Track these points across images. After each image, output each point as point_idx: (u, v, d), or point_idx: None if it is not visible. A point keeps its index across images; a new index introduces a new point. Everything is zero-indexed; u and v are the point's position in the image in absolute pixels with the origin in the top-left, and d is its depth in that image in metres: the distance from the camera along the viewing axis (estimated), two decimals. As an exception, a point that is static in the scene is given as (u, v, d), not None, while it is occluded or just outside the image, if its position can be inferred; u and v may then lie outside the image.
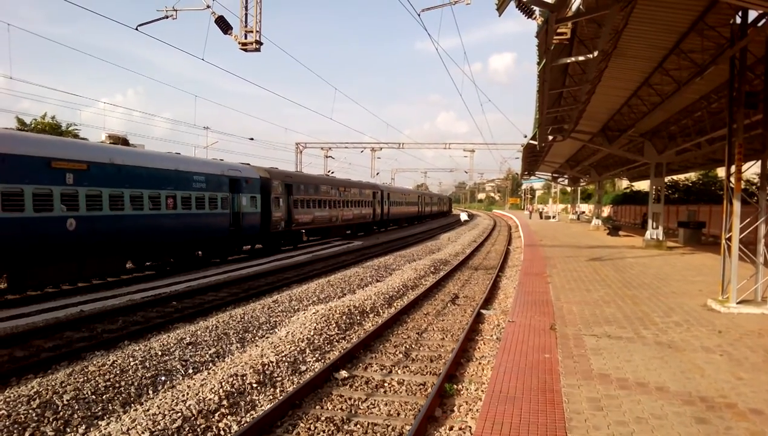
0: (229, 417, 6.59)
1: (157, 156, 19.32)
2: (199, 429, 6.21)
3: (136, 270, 18.89)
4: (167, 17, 16.73)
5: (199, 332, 9.87)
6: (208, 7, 15.53)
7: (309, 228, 31.11)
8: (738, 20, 10.31)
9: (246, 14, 15.43)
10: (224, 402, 6.80)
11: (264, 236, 25.35)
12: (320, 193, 31.98)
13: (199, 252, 21.21)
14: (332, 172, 52.19)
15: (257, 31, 15.37)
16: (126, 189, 16.34)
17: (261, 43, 15.44)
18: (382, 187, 47.21)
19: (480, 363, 8.76)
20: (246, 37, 15.44)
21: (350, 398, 7.28)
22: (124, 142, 19.06)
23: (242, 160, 36.35)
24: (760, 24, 10.21)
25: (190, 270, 19.11)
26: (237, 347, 9.50)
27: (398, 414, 6.79)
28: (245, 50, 15.49)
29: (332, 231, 34.74)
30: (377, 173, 61.19)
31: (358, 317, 11.80)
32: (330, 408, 6.98)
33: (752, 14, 10.21)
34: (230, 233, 22.10)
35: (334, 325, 10.77)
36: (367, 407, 7.04)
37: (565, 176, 54.05)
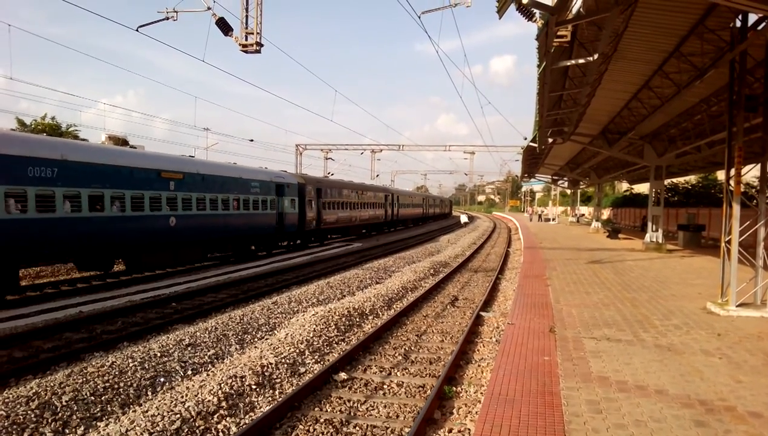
0: (228, 419, 6.58)
1: (226, 167, 23.67)
2: (198, 431, 6.21)
3: (198, 261, 21.46)
4: (168, 19, 16.74)
5: (198, 334, 9.86)
6: (209, 8, 15.53)
7: (333, 227, 34.48)
8: (738, 24, 10.32)
9: (246, 16, 15.43)
10: (223, 404, 6.79)
11: (300, 234, 29.29)
12: (343, 196, 35.70)
13: (252, 246, 24.92)
14: (332, 174, 52.30)
15: (258, 33, 15.38)
16: (207, 193, 20.64)
17: (261, 45, 15.44)
18: (393, 191, 51.07)
19: (479, 365, 8.76)
20: (246, 39, 15.44)
21: (349, 400, 7.28)
22: (124, 143, 19.07)
23: (240, 161, 38.36)
24: (760, 27, 10.22)
25: (246, 261, 22.79)
26: (236, 349, 9.50)
27: (397, 416, 6.79)
28: (246, 52, 15.49)
29: (351, 230, 38.15)
30: (377, 175, 61.54)
31: (357, 319, 11.79)
32: (329, 410, 6.98)
33: (752, 17, 10.22)
34: (275, 230, 26.15)
35: (333, 327, 10.76)
36: (366, 409, 7.04)
37: (565, 179, 54.03)
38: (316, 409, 6.99)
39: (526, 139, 31.64)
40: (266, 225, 25.11)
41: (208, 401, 6.74)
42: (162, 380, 7.80)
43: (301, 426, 6.47)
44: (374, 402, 7.22)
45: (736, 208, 10.21)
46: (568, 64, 13.21)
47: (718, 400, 5.79)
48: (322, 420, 6.60)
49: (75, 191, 14.85)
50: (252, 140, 46.98)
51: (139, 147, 21.45)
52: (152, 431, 5.94)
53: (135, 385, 7.45)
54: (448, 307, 13.66)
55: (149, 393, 7.37)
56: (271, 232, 25.70)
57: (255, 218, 24.05)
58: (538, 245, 27.52)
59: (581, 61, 12.73)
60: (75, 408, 6.59)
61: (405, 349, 9.77)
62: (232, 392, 7.14)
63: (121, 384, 7.36)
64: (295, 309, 12.59)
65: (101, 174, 15.87)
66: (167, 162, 19.16)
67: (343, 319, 11.34)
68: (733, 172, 10.40)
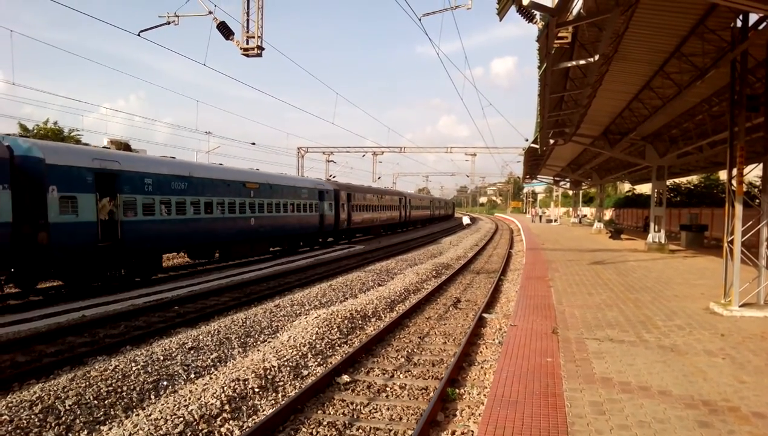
0: (231, 422, 6.58)
1: (284, 177, 30.06)
2: (201, 434, 6.21)
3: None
4: (169, 23, 16.79)
5: (201, 337, 9.87)
6: (210, 12, 15.58)
7: (359, 227, 40.22)
8: (739, 23, 10.32)
9: (248, 20, 15.47)
10: (226, 407, 6.79)
11: (335, 232, 35.00)
12: (366, 200, 41.41)
13: (301, 242, 30.67)
14: (333, 176, 52.41)
15: (259, 37, 15.41)
16: (274, 199, 26.17)
17: (262, 49, 15.47)
18: (406, 194, 57.50)
19: (482, 367, 8.75)
20: (248, 43, 15.47)
21: (352, 403, 7.27)
22: (126, 147, 19.16)
23: (243, 164, 40.81)
24: (760, 27, 10.22)
25: (295, 253, 28.15)
26: (239, 352, 9.50)
27: (400, 419, 6.79)
28: (247, 55, 15.52)
29: (372, 230, 43.58)
30: (379, 177, 61.96)
31: (359, 322, 11.79)
32: (332, 413, 6.98)
33: (753, 17, 10.21)
34: (318, 229, 31.76)
35: (335, 329, 10.76)
36: (369, 411, 7.03)
37: (567, 180, 53.96)
38: (319, 412, 6.99)
39: (527, 140, 31.63)
40: (312, 225, 30.89)
41: (211, 404, 6.75)
42: (165, 383, 7.80)
43: (304, 429, 6.47)
44: (377, 404, 7.22)
45: (739, 208, 10.20)
46: (569, 65, 13.23)
47: (722, 400, 5.78)
48: (325, 423, 6.60)
49: (197, 199, 20.04)
50: (254, 143, 47.04)
51: (141, 151, 21.55)
52: (155, 434, 5.95)
53: (138, 389, 7.45)
54: (451, 309, 13.65)
55: (152, 397, 7.38)
56: (315, 230, 31.37)
57: (304, 219, 29.90)
58: (540, 246, 27.50)
59: (582, 62, 12.75)
60: (78, 412, 6.60)
61: (408, 351, 9.76)
62: (235, 395, 7.14)
63: (125, 388, 7.37)
64: (298, 312, 12.59)
65: (212, 186, 21.16)
66: (248, 175, 25.01)
67: (346, 321, 11.34)
68: (735, 172, 10.38)
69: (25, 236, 13.56)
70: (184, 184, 19.29)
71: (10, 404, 6.50)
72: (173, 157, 21.06)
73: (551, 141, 25.05)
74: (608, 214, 55.56)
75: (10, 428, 6.02)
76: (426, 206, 67.01)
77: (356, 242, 36.69)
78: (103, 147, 18.78)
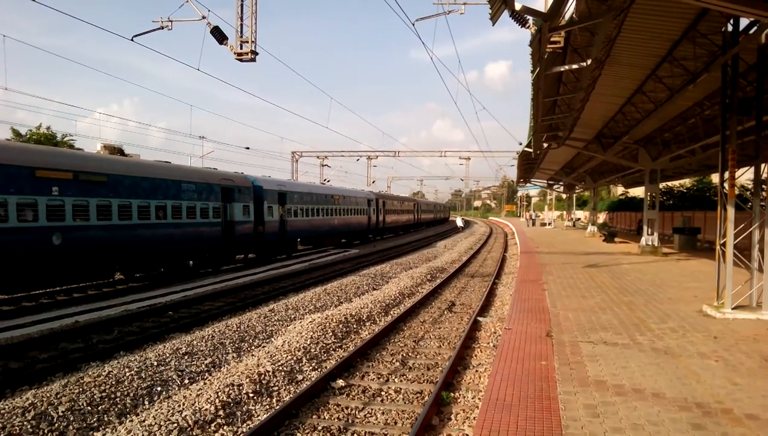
0: (225, 427, 6.56)
1: (350, 190, 41.61)
2: (195, 440, 6.18)
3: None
4: (162, 28, 16.80)
5: (195, 342, 9.84)
6: (204, 17, 15.60)
7: (389, 227, 50.15)
8: (730, 28, 10.41)
9: (241, 25, 15.49)
10: (220, 412, 6.77)
11: (375, 230, 46.05)
12: (394, 205, 52.37)
13: (355, 241, 40.76)
14: (328, 181, 52.48)
15: (252, 41, 15.44)
16: (346, 206, 37.36)
17: (256, 53, 15.50)
18: (418, 200, 69.93)
19: (477, 371, 8.75)
20: (241, 48, 15.50)
21: (347, 407, 7.26)
22: (120, 152, 19.06)
23: (237, 168, 43.64)
24: (751, 31, 10.31)
25: (346, 246, 36.87)
26: (233, 357, 9.47)
27: (395, 423, 6.78)
28: (241, 60, 15.55)
29: (396, 229, 53.70)
30: (373, 182, 62.46)
31: (354, 326, 11.78)
32: (327, 417, 6.96)
33: (744, 22, 10.31)
34: (366, 228, 42.71)
35: (330, 333, 10.75)
36: (364, 416, 7.02)
37: (561, 183, 54.15)
38: (314, 417, 6.97)
39: (521, 144, 31.76)
40: (360, 224, 41.42)
41: (206, 409, 6.72)
42: (159, 389, 7.77)
43: (298, 434, 6.45)
44: (372, 409, 7.21)
45: (731, 211, 10.28)
46: (562, 69, 13.30)
47: (715, 403, 5.81)
48: (320, 428, 6.59)
49: (315, 207, 31.85)
50: (248, 148, 47.06)
51: (134, 155, 21.48)
52: (149, 440, 5.91)
53: (132, 394, 7.42)
54: (446, 312, 13.66)
55: (146, 403, 7.34)
56: (363, 229, 42.47)
57: (360, 220, 41.15)
58: (534, 249, 27.57)
59: (575, 66, 12.83)
60: (72, 419, 6.56)
61: (402, 355, 9.76)
62: (230, 400, 7.12)
63: (118, 394, 7.33)
64: (292, 316, 12.57)
65: (323, 198, 33.60)
66: (334, 190, 37.52)
67: (341, 326, 11.33)
68: (727, 175, 10.46)
69: (256, 229, 24.64)
70: (312, 197, 31.74)
71: (2, 411, 6.45)
72: (269, 176, 29.32)
73: (545, 145, 25.13)
74: (602, 217, 55.76)
75: (2, 435, 5.97)
76: (431, 210, 78.53)
77: (350, 247, 36.79)
78: (97, 152, 18.71)
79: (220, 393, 7.17)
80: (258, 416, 7.03)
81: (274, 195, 26.92)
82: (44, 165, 14.24)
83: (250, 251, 25.98)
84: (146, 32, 16.41)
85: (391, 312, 13.68)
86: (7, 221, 13.12)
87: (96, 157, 17.69)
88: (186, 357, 9.06)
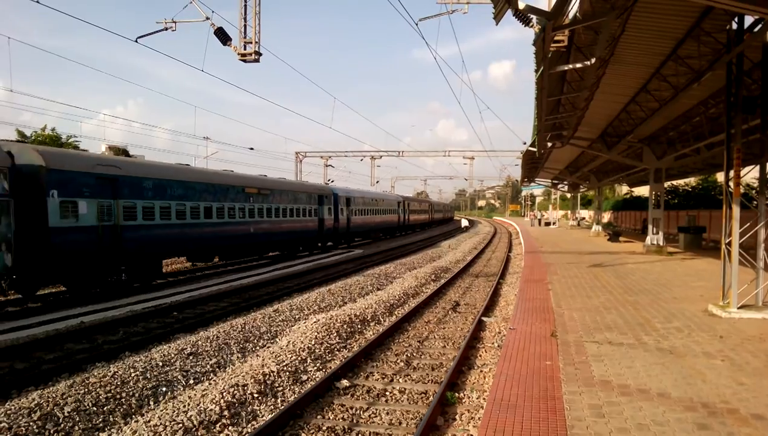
0: (230, 428, 6.57)
1: (376, 193, 49.59)
2: (200, 440, 6.19)
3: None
4: (166, 29, 16.84)
5: (200, 343, 9.86)
6: (207, 18, 15.63)
7: (411, 224, 59.02)
8: (734, 26, 10.37)
9: (245, 25, 15.52)
10: (225, 413, 6.78)
11: (404, 227, 55.42)
12: (414, 206, 61.29)
13: (388, 236, 49.28)
14: (332, 181, 52.62)
15: (256, 42, 15.46)
16: (369, 205, 42.26)
17: (260, 54, 15.52)
18: (431, 201, 79.97)
19: (481, 371, 8.74)
20: (245, 48, 15.53)
21: (352, 408, 7.26)
22: (125, 153, 19.14)
23: (242, 169, 44.13)
24: (756, 29, 10.26)
25: (389, 238, 47.47)
26: (238, 357, 9.49)
27: (400, 423, 6.78)
28: (244, 61, 15.58)
29: (416, 226, 62.72)
30: (377, 182, 62.71)
31: (359, 326, 11.79)
32: (331, 418, 6.97)
33: (748, 20, 10.26)
34: (397, 226, 52.12)
35: (335, 334, 10.75)
36: (369, 416, 7.02)
37: (565, 183, 54.08)
38: (319, 417, 6.98)
39: (525, 143, 31.76)
40: (393, 222, 50.42)
41: (211, 410, 6.74)
42: (164, 389, 7.79)
43: (303, 434, 6.46)
44: (377, 409, 7.21)
45: (736, 210, 10.22)
46: (566, 68, 13.28)
47: (721, 402, 5.78)
48: (324, 428, 6.59)
49: (366, 208, 40.70)
50: (252, 148, 47.17)
51: (139, 156, 21.54)
52: (154, 441, 5.93)
53: (137, 395, 7.44)
54: (450, 312, 13.65)
55: (151, 403, 7.37)
56: (394, 226, 51.14)
57: (389, 218, 48.71)
58: (538, 249, 27.52)
59: (579, 65, 12.79)
60: (77, 419, 6.58)
61: (407, 355, 9.76)
62: (234, 400, 7.13)
63: (123, 394, 7.36)
64: (297, 317, 12.58)
65: (370, 201, 42.94)
66: (378, 194, 48.17)
67: (345, 326, 11.34)
68: (732, 173, 10.40)
69: (334, 225, 33.79)
70: (365, 201, 41.03)
71: (8, 411, 6.48)
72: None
73: (549, 144, 25.10)
74: (606, 216, 55.65)
75: (9, 435, 6.00)
76: (441, 210, 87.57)
77: (355, 246, 36.86)
78: (102, 153, 18.79)
79: (225, 394, 7.19)
80: (263, 416, 7.04)
81: (344, 200, 36.29)
82: (246, 185, 24.23)
83: (330, 241, 35.02)
84: (150, 33, 16.45)
85: (396, 312, 13.67)
86: (234, 218, 22.83)
87: (266, 179, 27.92)
88: (191, 358, 9.08)
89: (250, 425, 6.77)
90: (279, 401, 7.60)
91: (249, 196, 24.22)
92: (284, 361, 8.80)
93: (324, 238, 33.43)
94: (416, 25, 14.16)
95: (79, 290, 15.74)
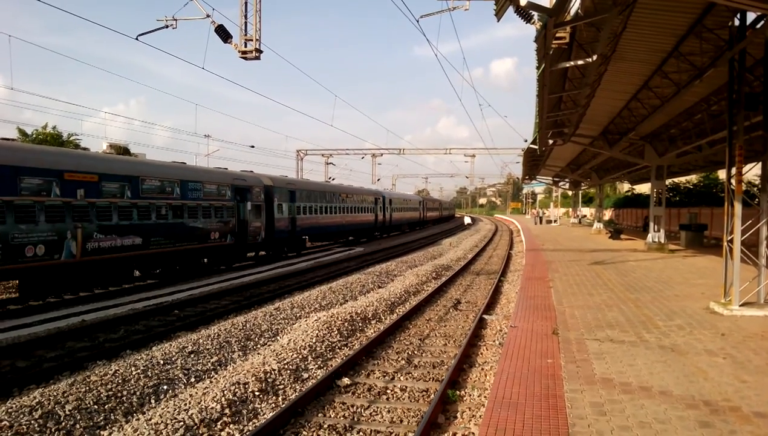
0: (231, 426, 6.57)
1: (405, 194, 65.74)
2: (201, 438, 6.19)
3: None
4: (167, 27, 16.81)
5: (200, 341, 9.86)
6: (208, 16, 15.60)
7: (427, 220, 66.78)
8: (736, 22, 10.32)
9: (245, 23, 15.50)
10: (226, 411, 6.78)
11: (421, 223, 62.96)
12: (429, 205, 69.91)
13: (409, 230, 56.82)
14: (333, 179, 52.60)
15: (257, 40, 15.44)
16: (404, 206, 54.77)
17: (261, 51, 15.51)
18: (441, 200, 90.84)
19: (483, 369, 8.74)
20: (246, 46, 15.51)
21: (353, 406, 7.26)
22: (126, 151, 19.14)
23: (243, 167, 47.74)
24: (758, 26, 10.23)
25: (409, 233, 53.12)
26: (239, 355, 9.49)
27: (401, 421, 6.77)
28: (245, 58, 15.56)
29: (430, 222, 69.94)
30: (378, 179, 62.83)
31: (360, 324, 11.78)
32: (332, 416, 6.96)
33: (750, 16, 10.22)
34: (417, 221, 60.66)
35: (336, 332, 10.75)
36: (370, 414, 7.02)
37: (566, 180, 54.00)
38: (320, 415, 6.97)
39: (526, 141, 31.70)
40: (414, 219, 59.51)
41: (212, 408, 6.73)
42: (165, 387, 7.79)
43: (304, 432, 6.45)
44: (378, 407, 7.21)
45: (738, 207, 10.19)
46: (567, 65, 13.24)
47: (723, 400, 5.77)
48: (325, 426, 6.59)
49: (400, 206, 53.32)
50: (253, 146, 47.21)
51: (140, 154, 21.54)
52: (156, 439, 5.93)
53: (138, 393, 7.44)
54: (451, 310, 13.64)
55: (152, 401, 7.37)
56: (416, 220, 59.88)
57: (411, 215, 57.55)
58: (540, 246, 27.50)
59: (580, 62, 12.76)
60: (78, 417, 6.58)
61: (408, 353, 9.75)
62: (236, 398, 7.13)
63: (124, 393, 7.36)
64: (298, 315, 12.58)
65: (402, 200, 55.56)
66: (409, 196, 64.02)
67: (346, 324, 11.33)
68: (734, 171, 10.38)
69: (383, 220, 45.27)
70: (402, 201, 53.16)
71: (10, 410, 6.48)
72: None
73: (550, 141, 25.06)
74: (608, 214, 55.58)
75: (10, 434, 6.00)
76: (447, 208, 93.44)
77: (355, 245, 36.84)
78: (103, 151, 18.80)
79: (226, 392, 7.18)
80: (264, 414, 7.03)
81: (387, 201, 46.53)
82: (340, 191, 36.58)
83: (380, 232, 45.98)
84: (151, 31, 16.42)
85: (397, 310, 13.67)
86: (336, 214, 34.79)
87: (350, 187, 40.28)
88: (192, 356, 9.08)
89: (251, 423, 6.76)
90: (280, 399, 7.60)
91: (342, 199, 35.81)
92: (285, 359, 8.80)
93: (379, 230, 46.02)
94: (417, 22, 14.11)
95: (279, 253, 26.87)
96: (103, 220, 15.55)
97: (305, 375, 8.58)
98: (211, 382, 7.88)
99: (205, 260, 21.08)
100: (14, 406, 6.61)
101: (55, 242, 14.03)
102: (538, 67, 12.58)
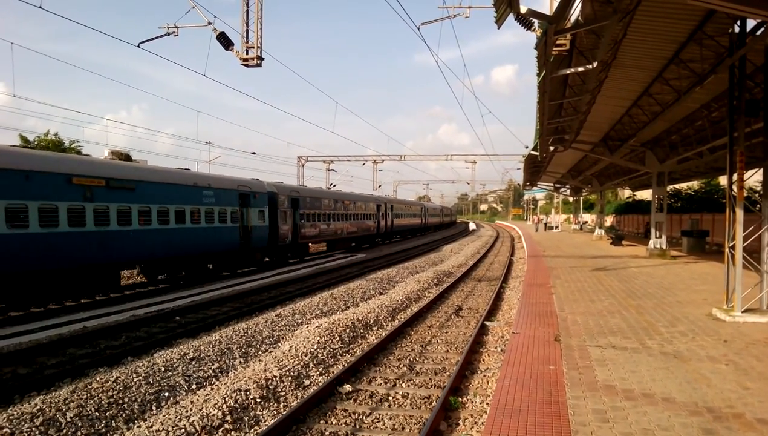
0: (232, 433, 6.56)
1: (415, 202, 69.22)
2: (202, 445, 6.17)
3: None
4: (169, 34, 16.89)
5: (202, 348, 9.85)
6: (210, 23, 15.67)
7: (431, 225, 69.71)
8: (737, 29, 10.36)
9: (247, 30, 15.56)
10: (228, 418, 6.77)
11: (424, 229, 65.12)
12: (432, 211, 72.42)
13: (412, 236, 58.12)
14: (334, 185, 52.68)
15: (258, 47, 15.50)
16: (411, 212, 58.21)
17: (262, 59, 15.56)
18: (443, 207, 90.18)
19: (485, 375, 8.71)
20: (247, 53, 15.56)
21: (354, 413, 7.24)
22: (127, 158, 19.17)
23: (244, 173, 45.81)
24: (758, 33, 10.25)
25: (418, 236, 59.04)
26: (240, 362, 9.47)
27: (403, 428, 6.75)
28: (246, 65, 15.61)
29: (434, 227, 73.18)
30: (379, 186, 63.30)
31: (361, 331, 11.76)
32: (334, 423, 6.94)
33: (751, 23, 10.25)
34: (419, 227, 61.95)
35: (337, 338, 10.73)
36: (372, 421, 7.00)
37: (567, 186, 54.03)
38: (321, 422, 6.96)
39: (527, 147, 31.75)
40: (418, 225, 61.00)
41: (213, 415, 6.72)
42: (166, 394, 7.78)
43: (306, 439, 6.43)
44: (379, 414, 7.19)
45: (740, 214, 10.19)
46: (568, 72, 13.27)
47: (726, 407, 5.75)
48: (327, 433, 6.57)
49: (403, 212, 54.24)
50: (254, 153, 47.31)
51: (142, 161, 21.57)
52: (157, 446, 5.91)
53: (139, 400, 7.43)
54: (453, 317, 13.62)
55: (154, 408, 7.35)
56: (419, 226, 61.70)
57: (415, 221, 59.26)
58: (541, 253, 27.47)
59: (581, 69, 12.80)
60: (80, 424, 6.57)
61: (410, 360, 9.73)
62: (237, 405, 7.11)
63: (126, 399, 7.35)
64: (299, 321, 12.56)
65: (406, 206, 58.25)
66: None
67: (348, 330, 11.32)
68: (735, 177, 10.38)
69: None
70: (412, 209, 58.45)
71: (11, 417, 6.47)
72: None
73: (551, 148, 25.07)
74: (609, 220, 55.55)
75: (11, 441, 5.99)
76: (448, 215, 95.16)
77: (357, 251, 36.85)
78: (105, 158, 18.83)
79: (227, 398, 7.17)
80: (265, 421, 7.02)
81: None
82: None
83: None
84: (153, 39, 16.49)
85: (398, 317, 13.65)
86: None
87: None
88: (193, 362, 9.07)
89: (252, 430, 6.75)
90: (282, 405, 7.58)
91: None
92: (287, 365, 8.79)
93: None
94: (418, 29, 14.20)
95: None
96: (351, 219, 36.56)
97: (307, 382, 8.56)
98: (212, 389, 7.87)
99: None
100: (15, 413, 6.61)
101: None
102: (538, 74, 12.62)
